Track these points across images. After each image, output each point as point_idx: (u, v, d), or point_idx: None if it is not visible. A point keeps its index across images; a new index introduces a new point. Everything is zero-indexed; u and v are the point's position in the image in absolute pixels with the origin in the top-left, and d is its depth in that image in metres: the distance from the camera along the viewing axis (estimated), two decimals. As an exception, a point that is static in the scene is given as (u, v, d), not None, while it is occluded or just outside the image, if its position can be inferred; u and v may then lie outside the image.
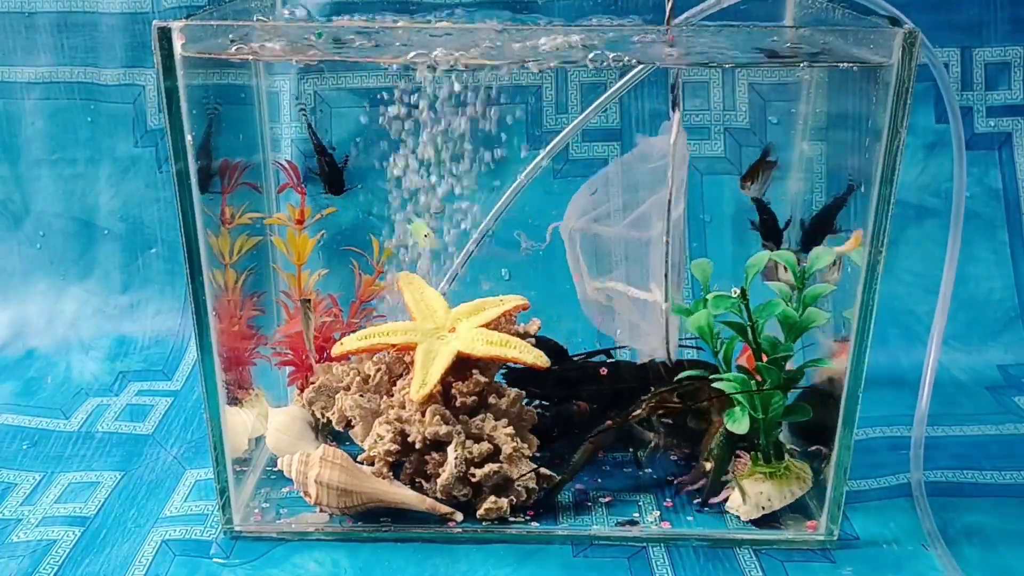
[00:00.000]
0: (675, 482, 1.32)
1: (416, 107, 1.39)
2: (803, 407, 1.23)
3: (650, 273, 1.32)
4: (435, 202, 1.43)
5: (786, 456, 1.25)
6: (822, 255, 1.19)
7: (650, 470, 1.33)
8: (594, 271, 1.36)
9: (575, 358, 1.41)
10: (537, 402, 1.38)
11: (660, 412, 1.28)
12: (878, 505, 1.30)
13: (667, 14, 1.25)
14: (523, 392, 1.32)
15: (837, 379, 1.17)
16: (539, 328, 1.39)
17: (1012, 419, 1.51)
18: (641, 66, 1.36)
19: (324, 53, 1.12)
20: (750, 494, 1.24)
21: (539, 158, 1.44)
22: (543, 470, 1.28)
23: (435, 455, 1.27)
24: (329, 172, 1.42)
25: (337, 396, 1.35)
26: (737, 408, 1.21)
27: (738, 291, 1.18)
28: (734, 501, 1.26)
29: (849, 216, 1.20)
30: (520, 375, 1.35)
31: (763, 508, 1.23)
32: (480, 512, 1.25)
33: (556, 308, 1.51)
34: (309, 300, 1.36)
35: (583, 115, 1.48)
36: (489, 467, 1.25)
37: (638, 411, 1.28)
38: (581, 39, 1.10)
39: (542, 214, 1.58)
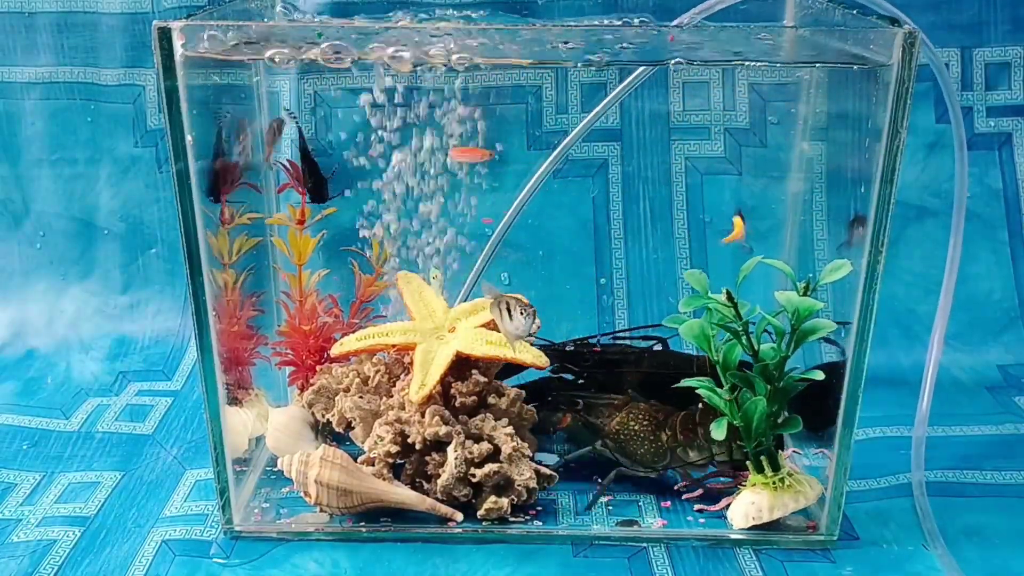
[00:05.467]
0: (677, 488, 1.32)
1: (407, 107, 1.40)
2: (795, 419, 1.22)
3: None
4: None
5: (784, 468, 1.24)
6: (837, 267, 1.17)
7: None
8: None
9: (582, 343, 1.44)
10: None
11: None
12: (878, 505, 1.30)
13: None
14: (523, 392, 1.32)
15: None
16: (539, 327, 1.39)
17: (1012, 419, 1.51)
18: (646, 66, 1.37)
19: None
20: (743, 503, 1.24)
21: (547, 162, 1.44)
22: (544, 470, 1.28)
23: (435, 456, 1.27)
24: (312, 180, 1.42)
25: (337, 398, 1.35)
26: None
27: (725, 294, 1.18)
28: (734, 509, 1.25)
29: (849, 216, 1.19)
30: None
31: (753, 518, 1.23)
32: (481, 512, 1.25)
33: (555, 308, 1.51)
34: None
35: (589, 117, 1.47)
36: (489, 467, 1.25)
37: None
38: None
39: (542, 214, 1.58)
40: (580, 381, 1.43)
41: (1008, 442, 1.45)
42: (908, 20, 1.09)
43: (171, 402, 1.59)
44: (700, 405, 1.29)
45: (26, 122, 1.73)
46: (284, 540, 1.25)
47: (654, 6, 1.60)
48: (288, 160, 1.46)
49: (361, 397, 1.32)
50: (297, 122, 1.58)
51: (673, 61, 1.11)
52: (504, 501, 1.25)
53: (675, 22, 1.30)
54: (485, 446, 1.26)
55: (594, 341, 1.45)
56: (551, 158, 1.44)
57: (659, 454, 1.30)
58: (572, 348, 1.43)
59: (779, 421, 1.22)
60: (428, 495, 1.27)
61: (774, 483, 1.23)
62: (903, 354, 1.63)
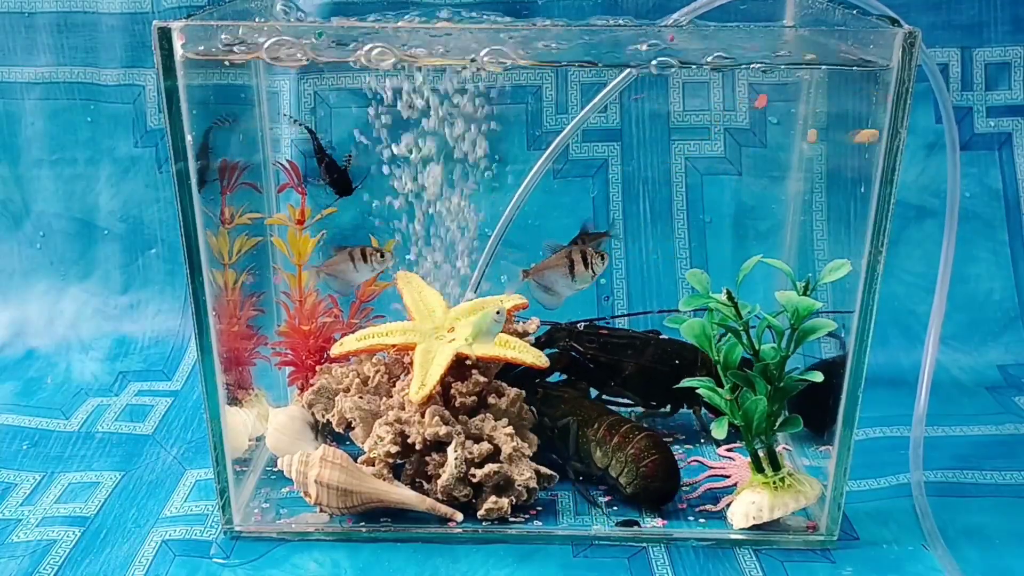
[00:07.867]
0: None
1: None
2: (795, 418, 1.22)
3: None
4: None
5: (785, 468, 1.25)
6: (837, 267, 1.17)
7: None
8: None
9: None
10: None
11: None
12: (878, 505, 1.30)
13: None
14: (523, 392, 1.32)
15: None
16: (538, 327, 1.39)
17: (1012, 419, 1.51)
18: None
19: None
20: (743, 503, 1.24)
21: (540, 162, 1.44)
22: (544, 470, 1.28)
23: (435, 456, 1.27)
24: (333, 176, 1.42)
25: (337, 398, 1.35)
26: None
27: (725, 293, 1.18)
28: (734, 508, 1.25)
29: (849, 216, 1.19)
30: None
31: (753, 518, 1.23)
32: (481, 512, 1.25)
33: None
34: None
35: (580, 115, 1.48)
36: (489, 467, 1.25)
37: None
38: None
39: (542, 215, 1.58)
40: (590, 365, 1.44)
41: (1008, 442, 1.45)
42: (903, 21, 1.09)
43: (171, 402, 1.59)
44: (635, 418, 1.35)
45: (26, 122, 1.73)
46: (284, 540, 1.25)
47: (653, 5, 1.61)
48: (288, 160, 1.46)
49: (361, 397, 1.32)
50: (307, 125, 1.59)
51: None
52: (504, 501, 1.25)
53: (669, 20, 1.30)
54: (485, 446, 1.26)
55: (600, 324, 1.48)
56: (546, 155, 1.44)
57: (582, 452, 1.31)
58: (580, 329, 1.45)
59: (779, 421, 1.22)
60: (428, 495, 1.27)
61: (774, 483, 1.23)
62: (903, 354, 1.63)
